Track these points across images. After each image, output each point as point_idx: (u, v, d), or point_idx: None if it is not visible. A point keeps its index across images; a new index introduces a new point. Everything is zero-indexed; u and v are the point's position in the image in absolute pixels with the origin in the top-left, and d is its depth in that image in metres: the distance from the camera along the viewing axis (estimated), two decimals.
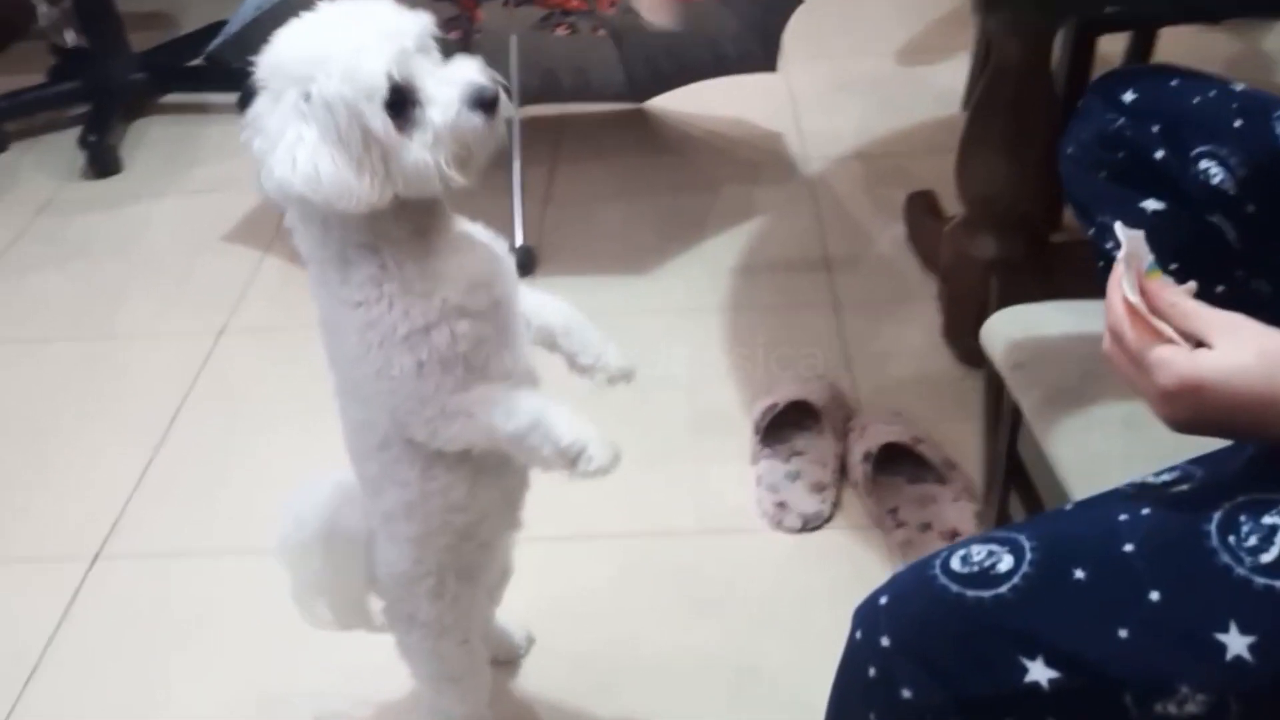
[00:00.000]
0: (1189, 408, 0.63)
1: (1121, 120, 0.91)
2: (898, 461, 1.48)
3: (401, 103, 0.77)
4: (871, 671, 0.66)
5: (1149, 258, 0.68)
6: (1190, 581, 0.61)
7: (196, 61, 2.63)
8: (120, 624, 1.41)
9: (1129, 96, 0.91)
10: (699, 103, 2.44)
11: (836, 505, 1.48)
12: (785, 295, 1.87)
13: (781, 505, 1.47)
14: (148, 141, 2.54)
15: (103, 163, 2.38)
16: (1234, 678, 0.59)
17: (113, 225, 2.25)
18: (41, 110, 2.56)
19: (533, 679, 1.29)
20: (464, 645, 1.04)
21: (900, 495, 1.46)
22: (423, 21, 0.80)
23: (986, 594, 0.63)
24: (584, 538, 1.47)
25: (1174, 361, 0.62)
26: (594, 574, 1.43)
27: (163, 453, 1.67)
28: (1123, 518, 0.65)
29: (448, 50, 2.52)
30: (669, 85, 2.39)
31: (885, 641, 0.65)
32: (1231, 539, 0.61)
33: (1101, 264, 0.97)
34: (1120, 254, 0.68)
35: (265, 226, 2.17)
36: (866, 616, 0.68)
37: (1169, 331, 0.64)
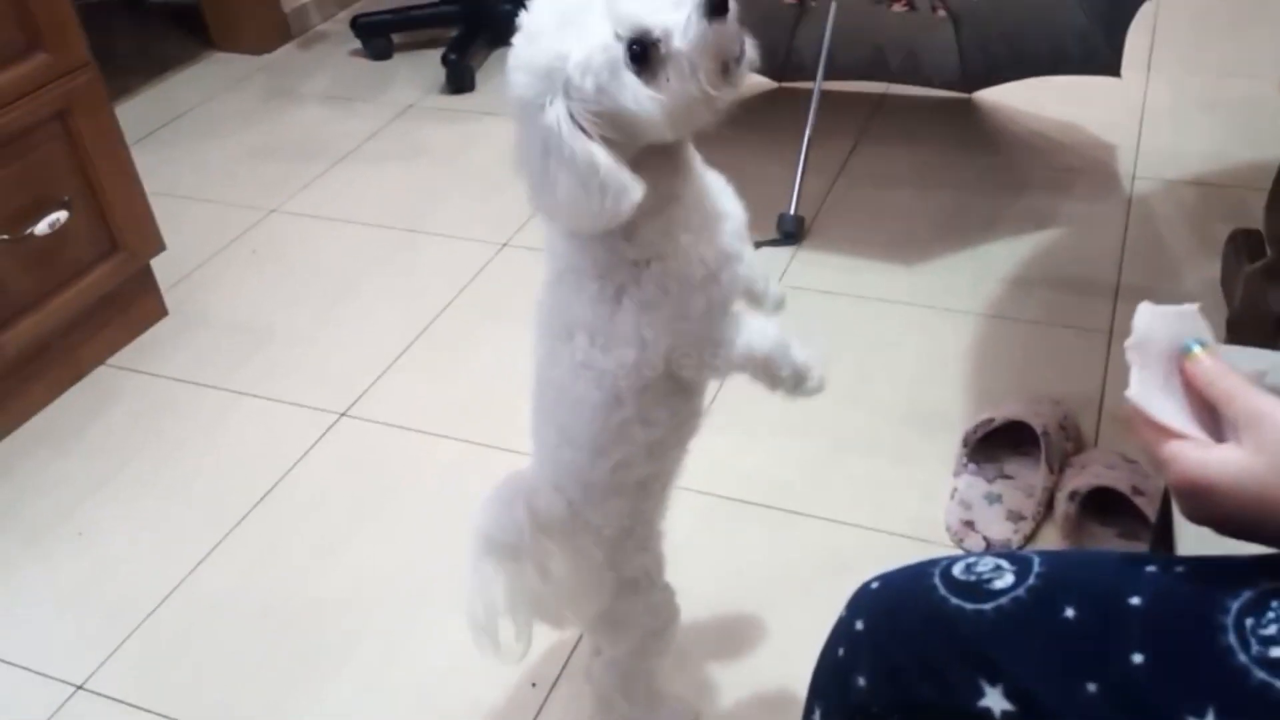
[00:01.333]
0: (1199, 508, 0.56)
1: None
2: (1114, 511, 1.34)
3: (644, 50, 0.74)
4: (840, 651, 0.63)
5: (1190, 336, 0.58)
6: (1183, 654, 0.52)
7: None
8: (339, 480, 1.59)
9: None
10: (1034, 100, 2.28)
11: (1030, 539, 1.36)
12: (1055, 314, 1.73)
13: (969, 524, 1.38)
14: (502, 67, 2.76)
15: (458, 81, 2.62)
16: None
17: (450, 136, 2.48)
18: (422, 27, 2.86)
19: None
20: (666, 590, 1.08)
21: (1106, 543, 1.31)
22: None
23: (969, 606, 0.58)
24: (760, 505, 1.46)
25: (1180, 460, 0.56)
26: (750, 540, 1.42)
27: (423, 339, 1.84)
28: (1149, 569, 0.57)
29: (783, 18, 2.53)
30: (1003, 77, 2.25)
31: (859, 625, 0.62)
32: (1249, 621, 0.51)
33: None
34: (1130, 340, 0.60)
35: None
36: (856, 598, 0.65)
37: (1177, 427, 0.57)
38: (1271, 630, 0.51)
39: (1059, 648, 0.55)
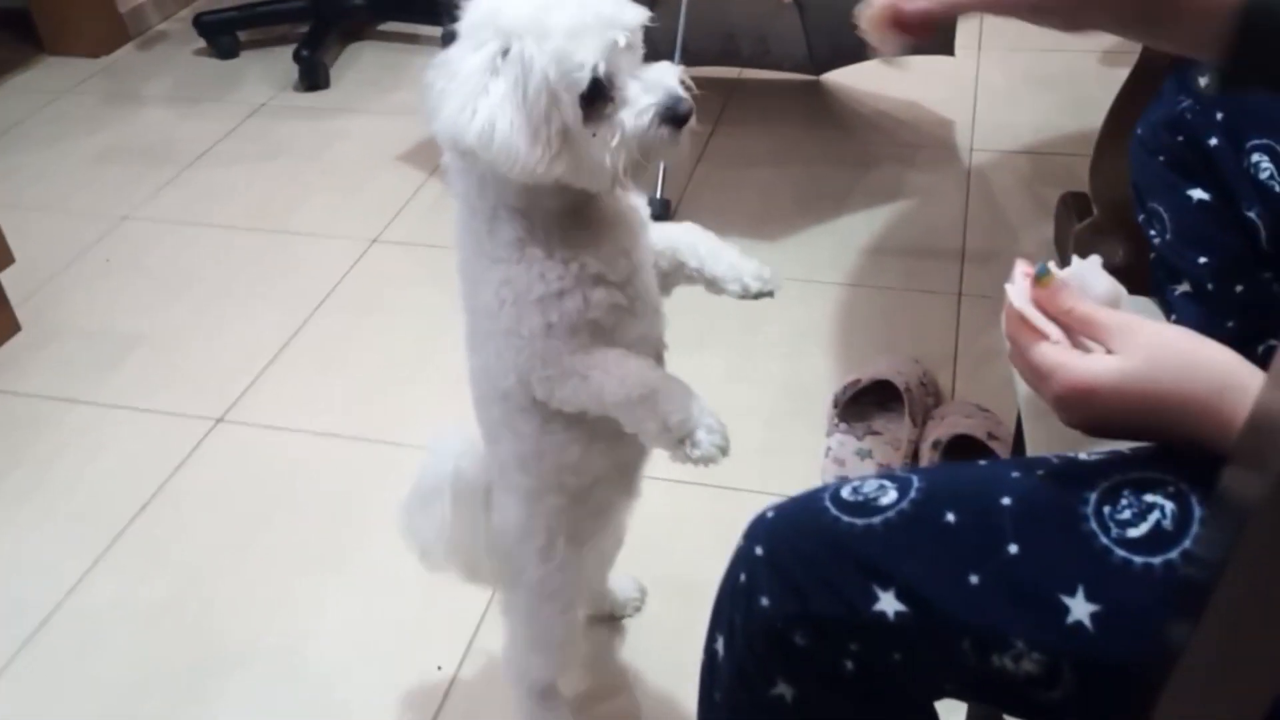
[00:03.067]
0: (1082, 412, 0.62)
1: (1187, 103, 0.87)
2: (972, 456, 1.44)
3: (597, 96, 0.74)
4: (741, 577, 0.67)
5: (1039, 265, 0.66)
6: (1051, 540, 0.59)
7: None
8: (225, 484, 1.57)
9: (1204, 81, 0.86)
10: (877, 80, 2.40)
11: None
12: (908, 280, 1.84)
13: (843, 480, 1.46)
14: (358, 64, 2.73)
15: (312, 78, 2.59)
16: (1070, 643, 0.57)
17: (308, 134, 2.45)
18: (271, 24, 2.81)
19: None
20: (564, 614, 1.04)
21: None
22: (641, 16, 0.77)
23: (859, 522, 0.64)
24: (661, 480, 1.51)
25: (1065, 368, 0.61)
26: (653, 514, 1.46)
27: (299, 338, 1.83)
28: (1014, 474, 0.64)
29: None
30: (848, 60, 2.36)
31: (759, 550, 0.67)
32: (1107, 509, 0.59)
33: (1153, 254, 0.92)
34: (1018, 267, 0.67)
35: (434, 152, 2.29)
36: (753, 526, 0.70)
37: (1056, 334, 0.63)
38: (1126, 515, 0.58)
39: (942, 549, 0.61)
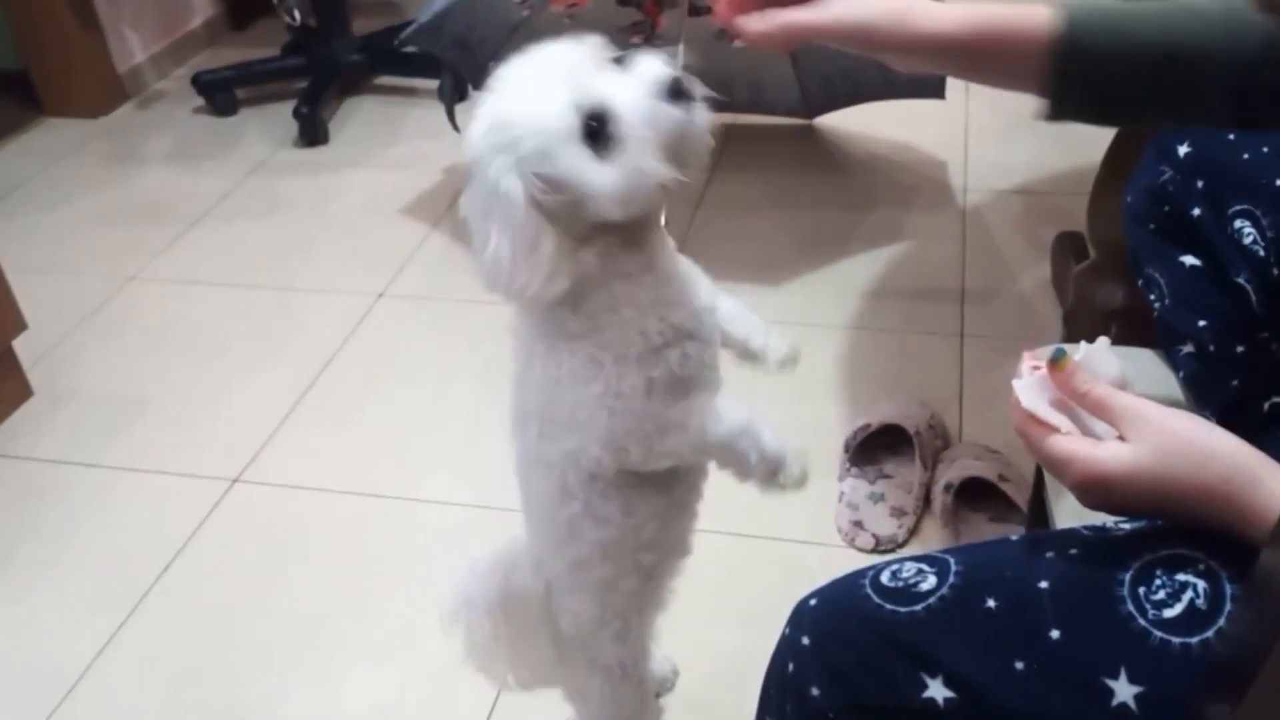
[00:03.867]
0: (1100, 497, 0.64)
1: (1169, 174, 0.90)
2: (984, 498, 1.46)
3: (600, 126, 0.73)
4: (790, 667, 0.69)
5: (1054, 347, 0.68)
6: (1092, 625, 0.61)
7: (412, 48, 2.85)
8: (244, 544, 1.58)
9: (1183, 149, 0.89)
10: (870, 124, 2.44)
11: (913, 532, 1.48)
12: (910, 322, 1.87)
13: (858, 524, 1.48)
14: (356, 118, 2.77)
15: (312, 134, 2.62)
16: None
17: (310, 190, 2.48)
18: (268, 81, 2.84)
19: None
20: (640, 686, 1.05)
21: (977, 531, 1.44)
22: (591, 42, 0.76)
23: (903, 610, 0.65)
24: None
25: (1079, 459, 0.63)
26: None
27: (310, 396, 1.84)
28: (1049, 555, 0.66)
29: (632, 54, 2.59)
30: (841, 104, 2.41)
31: (805, 640, 0.68)
32: (1142, 590, 0.61)
33: (1155, 315, 0.95)
34: (1025, 361, 0.69)
35: (437, 204, 2.34)
36: (796, 615, 0.71)
37: (1065, 425, 0.65)
38: (1161, 595, 0.60)
39: (986, 635, 0.63)
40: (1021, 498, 1.44)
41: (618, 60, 0.76)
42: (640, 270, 0.81)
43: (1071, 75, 0.68)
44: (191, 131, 2.77)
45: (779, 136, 2.48)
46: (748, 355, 0.94)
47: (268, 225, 2.36)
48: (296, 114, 2.61)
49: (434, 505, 1.61)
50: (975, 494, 1.46)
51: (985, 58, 0.71)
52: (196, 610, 1.48)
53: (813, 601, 0.70)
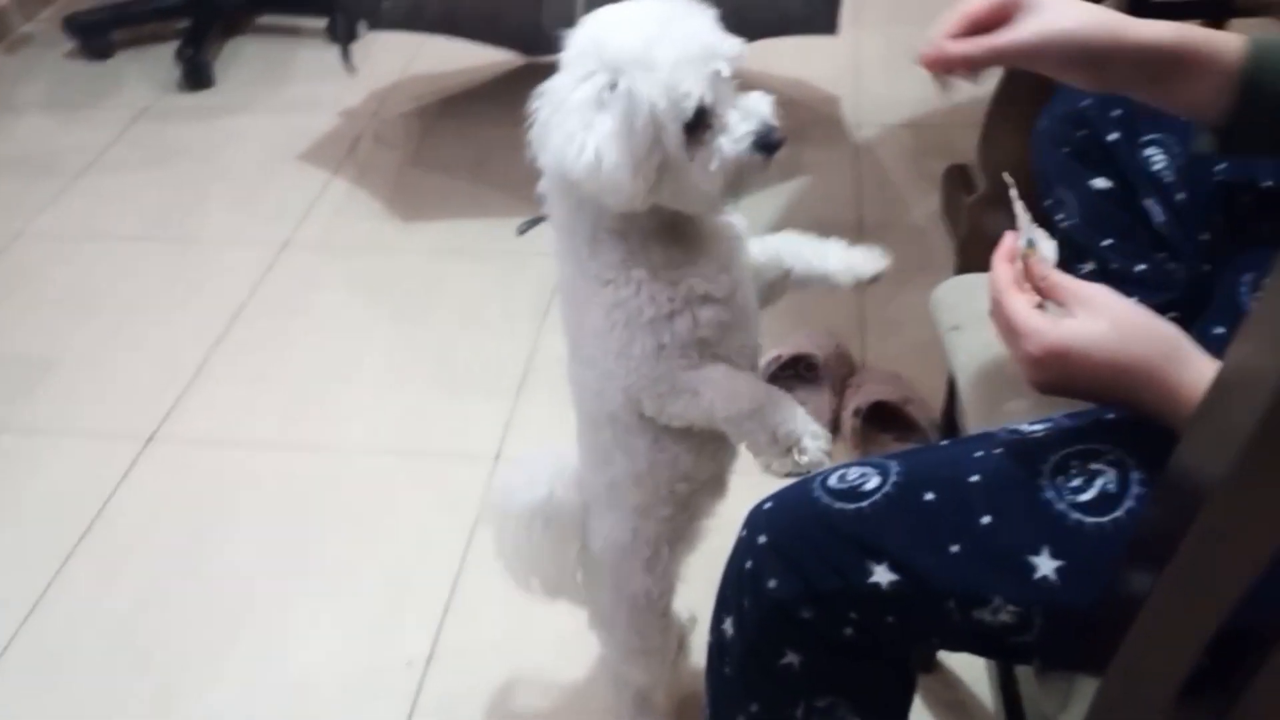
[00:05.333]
0: (1053, 371, 0.70)
1: (1089, 101, 0.96)
2: (888, 420, 1.55)
3: (698, 124, 0.76)
4: (748, 564, 0.75)
5: (1027, 237, 0.75)
6: (1017, 510, 0.69)
7: None
8: (165, 503, 1.57)
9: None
10: (761, 61, 2.47)
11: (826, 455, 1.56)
12: None
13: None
14: (241, 59, 2.69)
15: (196, 76, 2.54)
16: (1039, 595, 0.67)
17: (200, 136, 2.41)
18: (146, 22, 2.73)
19: None
20: (664, 618, 1.06)
21: (885, 451, 1.53)
22: (739, 48, 0.79)
23: (850, 506, 0.72)
24: None
25: (1041, 331, 0.69)
26: None
27: (221, 349, 1.82)
28: (978, 454, 0.73)
29: None
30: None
31: (762, 539, 0.75)
32: (1060, 479, 0.69)
33: (1059, 238, 1.03)
34: (1017, 234, 0.75)
35: (337, 149, 2.31)
36: (752, 518, 0.77)
37: (1038, 299, 0.71)
38: (1076, 483, 0.68)
39: (925, 524, 0.70)
40: (923, 418, 1.54)
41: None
42: (659, 226, 0.82)
43: (1254, 104, 0.73)
44: (65, 77, 2.65)
45: None
46: (827, 282, 0.94)
47: (158, 175, 2.29)
48: (180, 56, 2.52)
49: (362, 454, 1.63)
50: (881, 417, 1.55)
51: (1182, 72, 0.74)
52: (126, 571, 1.47)
53: (767, 505, 0.77)
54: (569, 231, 0.84)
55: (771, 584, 0.73)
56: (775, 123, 0.79)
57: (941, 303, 1.07)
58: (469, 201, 2.15)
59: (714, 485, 0.99)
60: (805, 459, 0.83)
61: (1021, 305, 0.71)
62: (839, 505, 0.73)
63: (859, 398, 1.55)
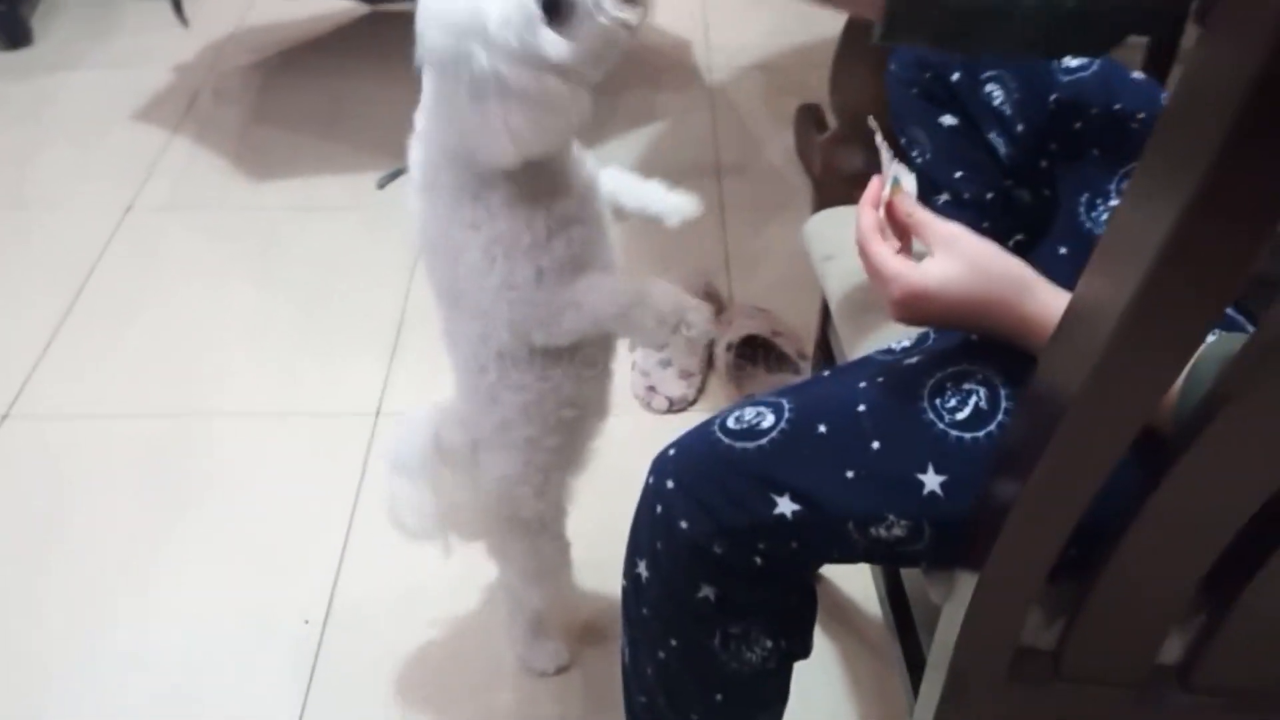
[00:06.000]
0: (914, 312, 0.75)
1: None
2: (758, 352, 1.62)
3: (552, 7, 0.76)
4: (658, 509, 0.79)
5: (892, 176, 0.80)
6: (903, 434, 0.74)
7: None
8: (25, 480, 1.50)
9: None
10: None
11: (701, 390, 1.62)
12: None
13: (651, 389, 1.60)
14: (61, 13, 2.53)
15: (12, 33, 2.38)
16: (928, 508, 0.73)
17: (22, 95, 2.27)
18: None
19: None
20: (558, 541, 1.12)
21: (758, 383, 1.60)
22: None
23: (750, 445, 0.76)
24: None
25: (903, 274, 0.74)
26: None
27: (70, 320, 1.74)
28: (861, 385, 0.78)
29: None
30: None
31: (670, 484, 0.78)
32: (938, 401, 0.75)
33: (914, 173, 1.09)
34: (882, 177, 0.80)
35: (174, 105, 2.21)
36: (658, 464, 0.81)
37: (896, 244, 0.77)
38: (952, 403, 0.74)
39: (821, 455, 0.75)
40: (791, 349, 1.61)
41: None
42: (541, 162, 0.84)
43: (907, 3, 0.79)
44: None
45: None
46: (649, 219, 0.99)
47: None
48: None
49: (234, 418, 1.60)
50: (752, 349, 1.61)
51: None
52: None
53: (671, 451, 0.80)
54: (450, 187, 0.86)
55: (683, 525, 0.76)
56: None
57: (813, 234, 1.12)
58: (321, 156, 2.09)
59: (597, 408, 1.04)
60: (693, 332, 0.89)
61: (884, 251, 0.76)
62: (740, 445, 0.76)
63: (730, 333, 1.61)
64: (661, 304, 0.88)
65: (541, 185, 0.85)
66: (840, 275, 1.05)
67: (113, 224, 1.93)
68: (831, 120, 1.93)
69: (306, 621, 1.32)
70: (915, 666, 0.87)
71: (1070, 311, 0.57)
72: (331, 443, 1.54)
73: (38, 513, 1.46)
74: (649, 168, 2.02)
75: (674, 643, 0.82)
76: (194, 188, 2.01)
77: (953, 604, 0.74)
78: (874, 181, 0.81)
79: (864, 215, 0.78)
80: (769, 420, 0.77)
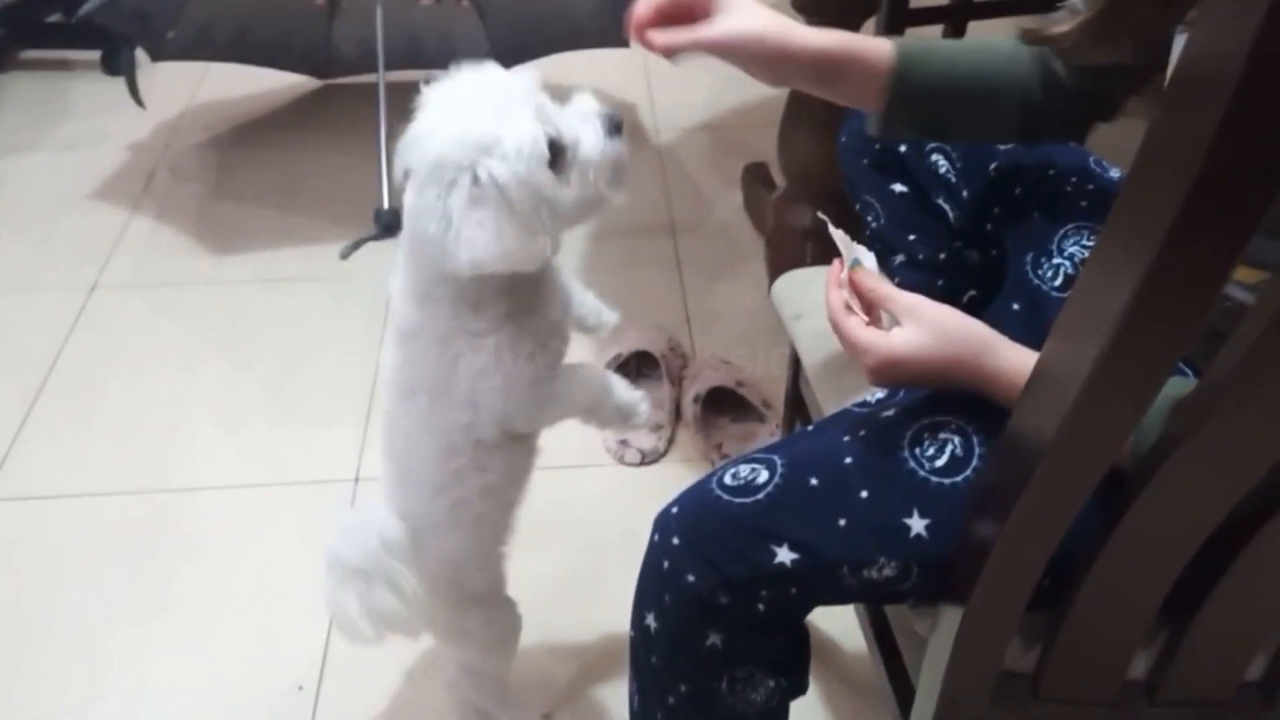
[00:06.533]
0: (889, 377, 0.82)
1: None
2: (724, 403, 1.68)
3: (555, 154, 0.84)
4: (665, 565, 0.84)
5: (852, 257, 0.87)
6: (888, 482, 0.81)
7: (56, 18, 2.64)
8: (6, 562, 1.51)
9: (870, 124, 1.09)
10: (559, 74, 2.56)
11: (671, 442, 1.68)
12: (633, 256, 2.05)
13: (624, 443, 1.66)
14: (10, 97, 2.55)
15: None
16: (915, 550, 0.79)
17: None
18: None
19: None
20: (509, 605, 1.17)
21: (725, 432, 1.66)
22: (535, 75, 0.87)
23: (748, 500, 0.82)
24: None
25: (875, 345, 0.81)
26: None
27: (42, 402, 1.75)
28: (845, 439, 0.84)
29: (316, 18, 2.63)
30: (530, 56, 2.51)
31: (675, 541, 0.83)
32: (917, 450, 0.81)
33: (868, 233, 1.16)
34: (842, 259, 0.87)
35: (131, 185, 2.24)
36: (661, 522, 0.86)
37: (865, 318, 0.83)
38: (930, 451, 0.81)
39: (813, 505, 0.81)
40: (756, 398, 1.67)
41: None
42: (533, 278, 0.92)
43: (901, 99, 0.88)
44: None
45: None
46: (585, 329, 1.10)
47: None
48: None
49: (210, 491, 1.62)
50: (718, 401, 1.68)
51: (842, 74, 0.88)
52: None
53: (674, 509, 0.85)
54: (453, 299, 0.91)
55: (690, 578, 0.82)
56: (609, 109, 0.88)
57: (781, 295, 1.19)
58: (282, 230, 2.14)
59: (527, 480, 1.10)
60: (640, 419, 1.08)
61: (855, 325, 0.83)
62: (739, 500, 0.82)
63: (696, 385, 1.67)
64: (621, 399, 1.05)
65: (538, 297, 0.94)
66: (810, 334, 1.12)
67: (77, 305, 1.94)
68: (778, 178, 2.03)
69: (301, 688, 1.35)
70: (904, 697, 0.93)
71: (1040, 369, 0.64)
72: (312, 510, 1.56)
73: (13, 594, 1.47)
74: (606, 229, 2.11)
75: (683, 688, 0.87)
76: (157, 265, 2.04)
77: (939, 635, 0.80)
78: (835, 264, 0.88)
79: (831, 295, 0.85)
80: (763, 476, 0.83)
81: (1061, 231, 0.96)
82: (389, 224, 2.10)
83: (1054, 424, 0.59)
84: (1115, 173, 0.98)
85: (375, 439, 1.66)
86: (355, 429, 1.70)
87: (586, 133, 0.86)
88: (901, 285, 1.12)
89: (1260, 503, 0.65)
